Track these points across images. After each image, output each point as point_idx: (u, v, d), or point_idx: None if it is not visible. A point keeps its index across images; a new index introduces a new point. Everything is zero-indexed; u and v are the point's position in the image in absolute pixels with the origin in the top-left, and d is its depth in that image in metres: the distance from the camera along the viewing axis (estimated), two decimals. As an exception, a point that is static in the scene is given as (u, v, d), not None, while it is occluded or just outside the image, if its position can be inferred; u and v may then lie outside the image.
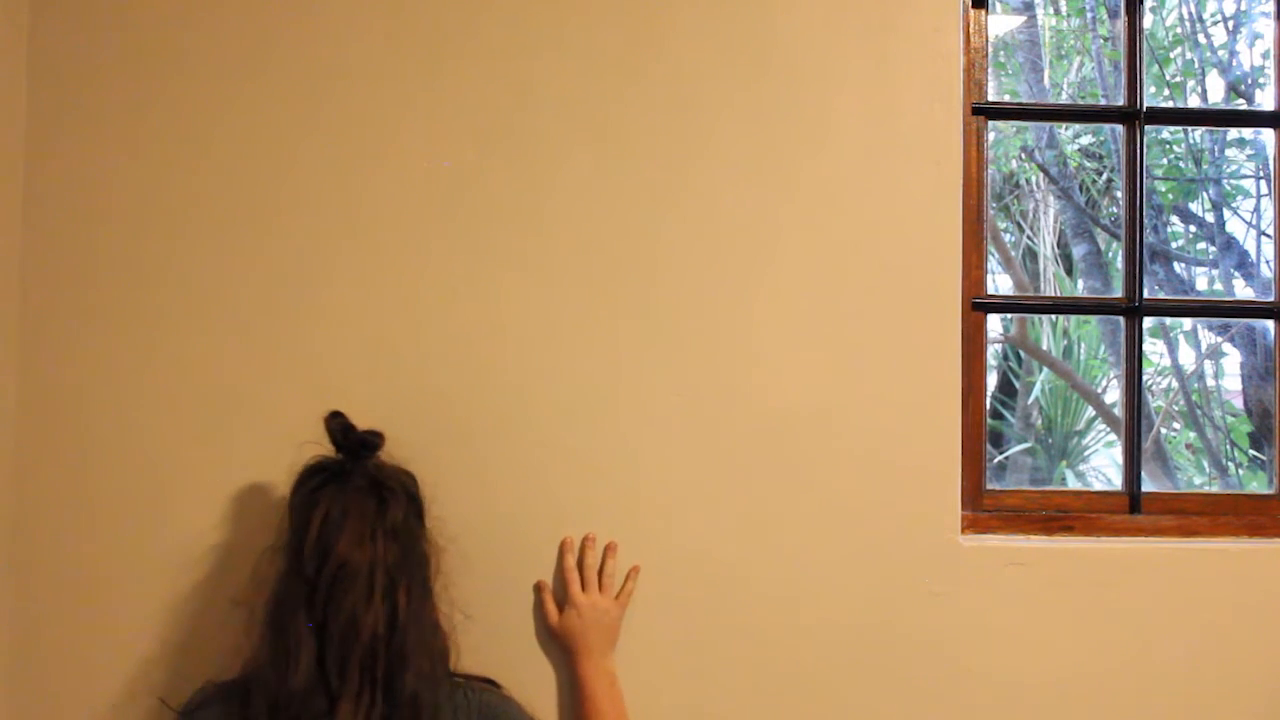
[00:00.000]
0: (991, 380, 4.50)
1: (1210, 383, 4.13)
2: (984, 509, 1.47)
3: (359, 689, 1.07)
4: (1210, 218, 4.08)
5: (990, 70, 1.53)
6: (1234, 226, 4.06)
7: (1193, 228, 4.25)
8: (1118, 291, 1.58)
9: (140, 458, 1.35)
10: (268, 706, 1.08)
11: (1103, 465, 4.40)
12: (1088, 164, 4.43)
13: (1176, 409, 4.15)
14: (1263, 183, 4.00)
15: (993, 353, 4.51)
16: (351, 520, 1.12)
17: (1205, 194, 4.11)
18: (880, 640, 1.39)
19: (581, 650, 1.30)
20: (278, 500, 1.29)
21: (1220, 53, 4.05)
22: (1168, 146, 4.14)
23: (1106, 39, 4.02)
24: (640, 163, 1.40)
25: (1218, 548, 1.45)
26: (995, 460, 4.30)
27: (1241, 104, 3.95)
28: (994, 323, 4.25)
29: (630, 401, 1.39)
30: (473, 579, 1.35)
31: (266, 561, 1.19)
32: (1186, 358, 4.15)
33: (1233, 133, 4.14)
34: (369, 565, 1.10)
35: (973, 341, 1.47)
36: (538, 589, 1.36)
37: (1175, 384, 4.10)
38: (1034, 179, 4.44)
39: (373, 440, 1.19)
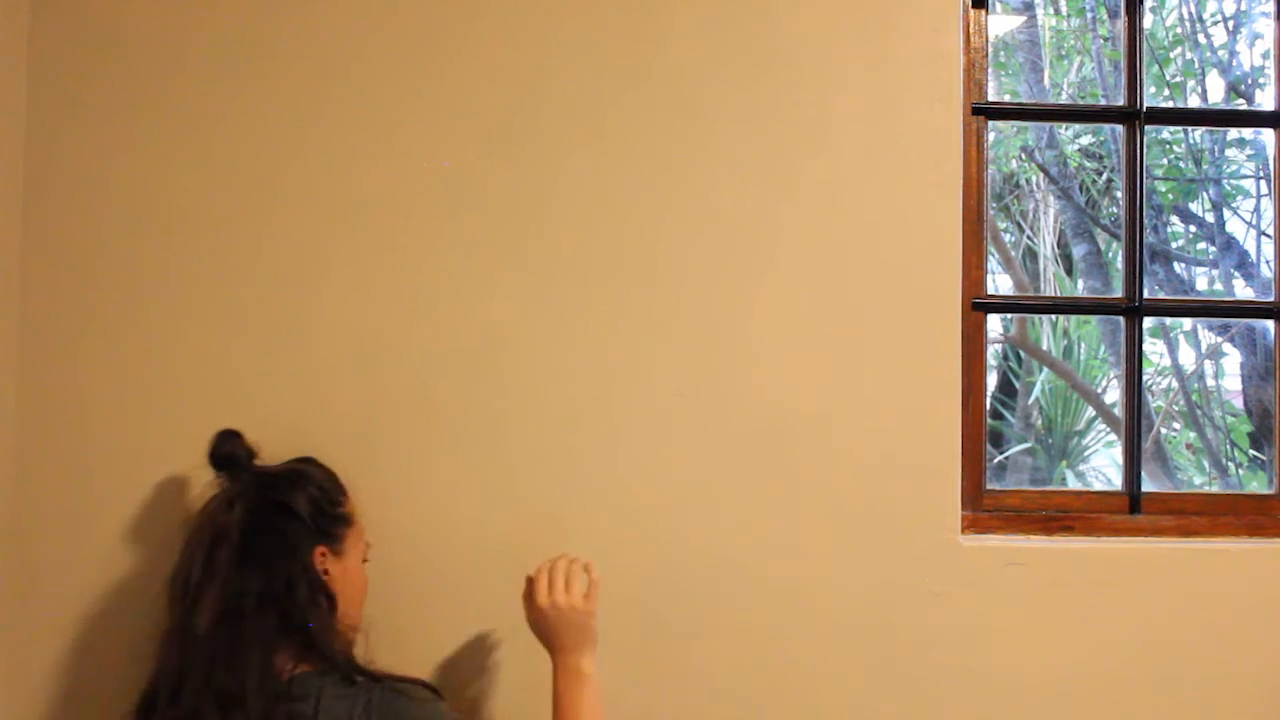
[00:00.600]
0: (991, 380, 4.50)
1: (1210, 383, 4.13)
2: (984, 509, 1.47)
3: (172, 696, 1.11)
4: (1210, 218, 4.08)
5: (990, 70, 1.53)
6: (1234, 226, 4.06)
7: (1193, 228, 4.26)
8: (1118, 291, 1.58)
9: (140, 458, 1.35)
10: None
11: (1103, 465, 4.41)
12: (1088, 164, 4.43)
13: (1176, 409, 4.15)
14: (1263, 183, 4.00)
15: (993, 353, 4.51)
16: (196, 531, 1.18)
17: (1205, 194, 4.11)
18: (880, 640, 1.39)
19: (552, 649, 1.28)
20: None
21: (1220, 53, 4.05)
22: (1168, 146, 4.14)
23: (1106, 39, 4.02)
24: (640, 163, 1.40)
25: (1218, 548, 1.45)
26: (995, 460, 4.30)
27: (1241, 104, 3.95)
28: (994, 323, 4.25)
29: (630, 401, 1.39)
30: (470, 578, 1.36)
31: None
32: (1186, 358, 4.15)
33: (1233, 133, 4.14)
34: (199, 575, 1.14)
35: (973, 341, 1.47)
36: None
37: (1175, 384, 4.10)
38: (1034, 179, 4.44)
39: (232, 455, 1.22)
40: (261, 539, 1.17)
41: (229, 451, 1.22)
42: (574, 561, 1.28)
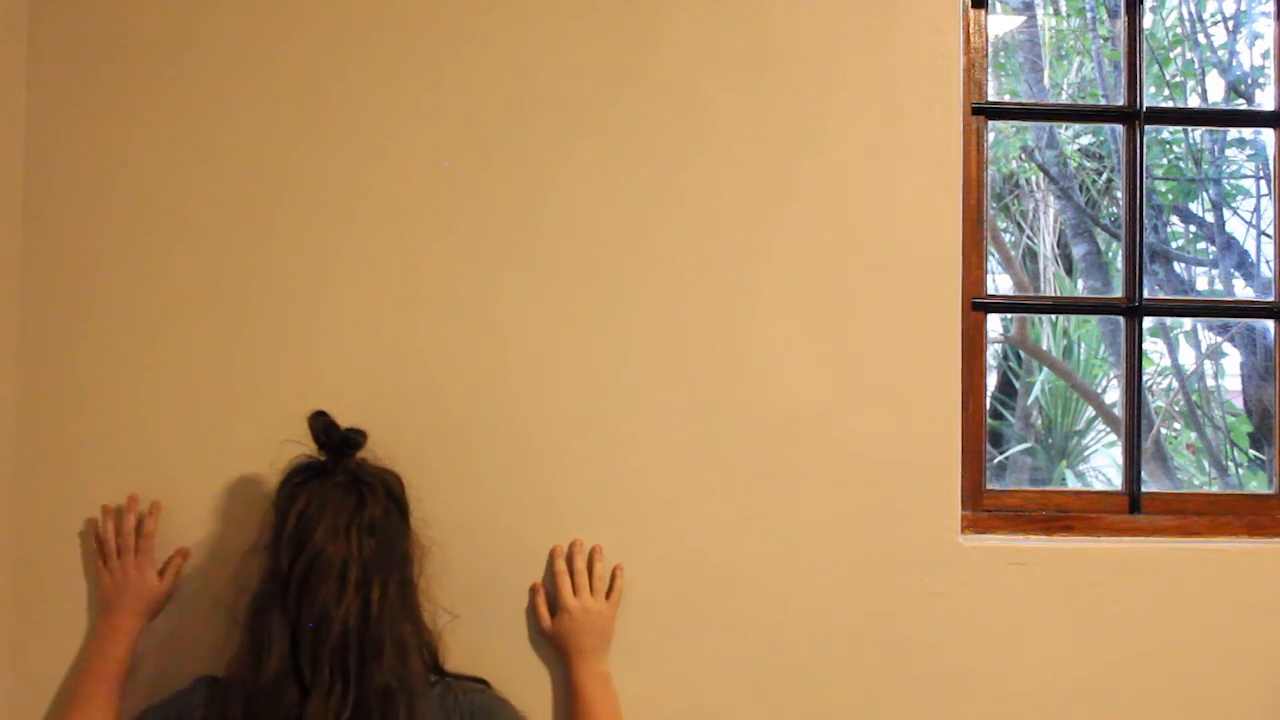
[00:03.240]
0: (991, 380, 4.50)
1: (1210, 383, 4.13)
2: (984, 509, 1.47)
3: (329, 682, 1.07)
4: (1210, 218, 4.08)
5: (990, 70, 1.53)
6: (1234, 226, 4.06)
7: (1193, 228, 4.25)
8: (1118, 291, 1.58)
9: (139, 457, 1.35)
10: (243, 699, 1.10)
11: (1103, 465, 4.40)
12: (1088, 164, 4.43)
13: (1176, 409, 4.15)
14: (1263, 183, 4.00)
15: (993, 353, 4.50)
16: (328, 515, 1.13)
17: (1205, 194, 4.11)
18: (880, 640, 1.39)
19: (575, 652, 1.30)
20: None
21: (1220, 53, 4.05)
22: (1168, 146, 4.14)
23: (1106, 39, 4.02)
24: (640, 163, 1.40)
25: (1218, 548, 1.45)
26: (995, 460, 4.29)
27: (1241, 104, 3.95)
28: (994, 323, 4.25)
29: (629, 402, 1.39)
30: (471, 580, 1.35)
31: (246, 562, 1.19)
32: (1186, 358, 4.14)
33: (1233, 133, 4.14)
34: (342, 559, 1.11)
35: (973, 341, 1.47)
36: (532, 592, 1.36)
37: (1175, 384, 4.10)
38: (1034, 179, 4.44)
39: (354, 438, 1.19)
40: (399, 536, 1.19)
41: (345, 435, 1.19)
42: (596, 560, 1.31)
